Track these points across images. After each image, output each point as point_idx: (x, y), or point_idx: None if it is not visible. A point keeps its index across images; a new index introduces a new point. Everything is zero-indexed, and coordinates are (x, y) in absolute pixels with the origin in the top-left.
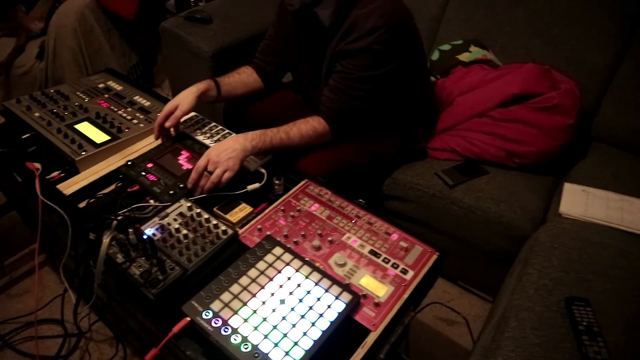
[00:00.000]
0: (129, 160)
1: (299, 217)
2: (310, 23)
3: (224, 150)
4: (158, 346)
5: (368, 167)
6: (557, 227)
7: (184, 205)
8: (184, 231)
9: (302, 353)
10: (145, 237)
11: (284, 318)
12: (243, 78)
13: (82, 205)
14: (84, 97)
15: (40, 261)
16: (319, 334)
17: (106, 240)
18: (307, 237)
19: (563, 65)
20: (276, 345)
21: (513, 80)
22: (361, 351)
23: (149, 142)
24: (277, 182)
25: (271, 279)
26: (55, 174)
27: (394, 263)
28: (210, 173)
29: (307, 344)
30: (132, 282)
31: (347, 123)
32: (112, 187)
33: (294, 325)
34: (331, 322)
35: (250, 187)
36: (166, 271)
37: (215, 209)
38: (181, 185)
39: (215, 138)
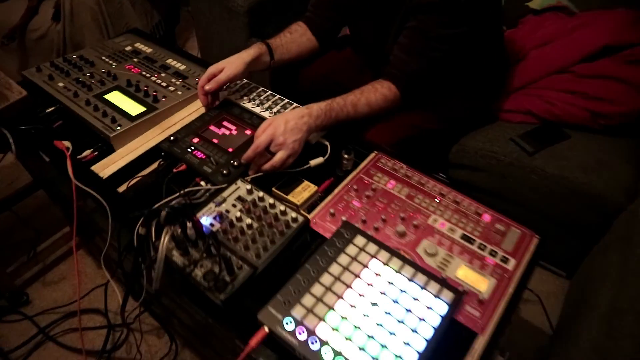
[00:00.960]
0: (170, 135)
1: (374, 197)
2: None
3: (290, 130)
4: None
5: (438, 134)
6: None
7: (242, 187)
8: (247, 220)
9: None
10: (205, 230)
11: (379, 325)
12: (296, 37)
13: (121, 189)
14: (110, 62)
15: (72, 244)
16: (423, 344)
17: (164, 242)
18: (387, 222)
19: None
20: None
21: (601, 29)
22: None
23: (189, 113)
24: (346, 156)
25: (357, 276)
26: (87, 152)
27: (492, 250)
28: (271, 153)
29: (411, 356)
30: (194, 285)
31: (420, 87)
32: (154, 165)
33: (392, 334)
34: (435, 328)
35: (313, 162)
36: (233, 271)
37: (274, 189)
38: (235, 163)
39: (265, 105)
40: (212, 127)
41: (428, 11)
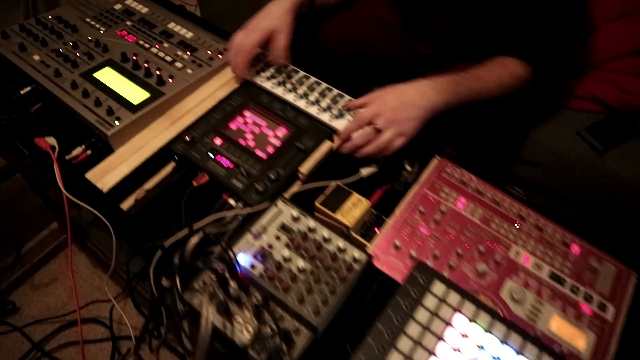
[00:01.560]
0: (184, 133)
1: (444, 222)
2: None
3: (405, 105)
4: None
5: (500, 126)
6: None
7: (284, 211)
8: (299, 261)
9: None
10: (242, 271)
11: None
12: None
13: (126, 204)
14: (98, 26)
15: (62, 240)
16: None
17: (207, 319)
18: (464, 257)
19: None
20: None
21: None
22: None
23: (202, 98)
24: (408, 168)
25: (441, 339)
26: (78, 151)
27: (586, 294)
28: (377, 131)
29: None
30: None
31: (553, 60)
32: (166, 170)
33: None
34: None
35: (364, 172)
36: (289, 337)
37: (317, 204)
38: (272, 177)
39: (300, 91)
40: (236, 122)
41: None
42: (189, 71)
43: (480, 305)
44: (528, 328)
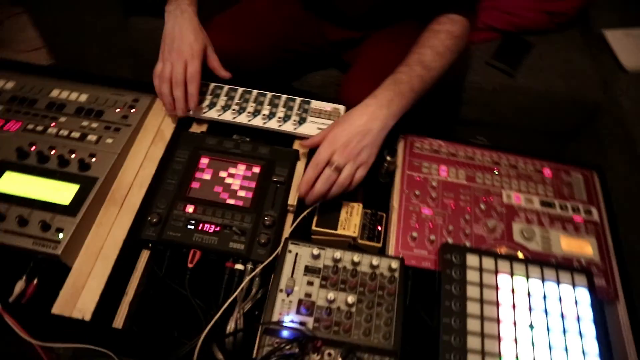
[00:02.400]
0: (148, 215)
1: (440, 195)
2: None
3: (356, 135)
4: None
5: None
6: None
7: (300, 252)
8: (342, 296)
9: None
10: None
11: (550, 348)
12: None
13: (117, 322)
14: None
15: None
16: (596, 347)
17: None
18: (472, 220)
19: None
20: None
21: None
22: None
23: (139, 165)
24: (389, 158)
25: (498, 304)
26: (20, 287)
27: (573, 206)
28: (337, 170)
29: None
30: None
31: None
32: (142, 263)
33: (566, 350)
34: (595, 323)
35: None
36: None
37: (315, 228)
38: (268, 223)
39: (249, 108)
40: (197, 180)
41: None
42: (109, 141)
43: (510, 258)
44: (550, 258)
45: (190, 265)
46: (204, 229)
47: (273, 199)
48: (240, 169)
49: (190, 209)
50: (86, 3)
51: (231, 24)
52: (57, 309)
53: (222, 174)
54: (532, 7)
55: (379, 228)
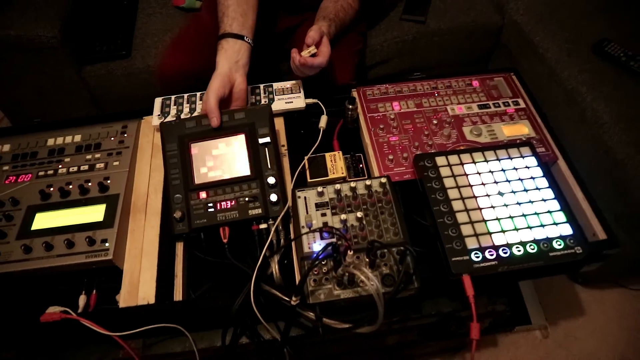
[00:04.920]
0: (173, 213)
1: (400, 124)
2: None
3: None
4: None
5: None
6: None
7: (306, 196)
8: (355, 214)
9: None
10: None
11: (519, 204)
12: None
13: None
14: None
15: None
16: (552, 193)
17: (370, 281)
18: (430, 134)
19: None
20: (542, 226)
21: None
22: None
23: (148, 174)
24: (350, 106)
25: (471, 185)
26: (83, 300)
27: (504, 102)
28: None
29: (555, 206)
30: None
31: None
32: (180, 253)
33: (531, 202)
34: (545, 175)
35: (322, 124)
36: (403, 259)
37: (310, 180)
38: (273, 182)
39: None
40: (196, 168)
41: None
42: (116, 163)
43: (468, 151)
44: (499, 144)
45: (225, 241)
46: (223, 207)
47: (267, 160)
48: (229, 142)
49: (203, 194)
50: (39, 68)
51: (182, 45)
52: (123, 303)
53: (215, 152)
54: None
55: (361, 165)
